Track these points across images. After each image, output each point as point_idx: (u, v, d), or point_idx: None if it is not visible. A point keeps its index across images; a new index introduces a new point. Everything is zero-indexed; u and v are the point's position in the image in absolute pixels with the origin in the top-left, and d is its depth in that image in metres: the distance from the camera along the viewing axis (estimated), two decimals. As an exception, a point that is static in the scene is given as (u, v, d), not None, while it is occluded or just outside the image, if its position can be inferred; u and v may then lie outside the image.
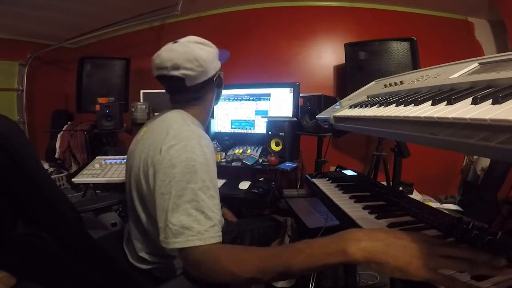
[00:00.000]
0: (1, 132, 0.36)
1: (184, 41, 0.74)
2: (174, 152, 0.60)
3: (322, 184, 0.97)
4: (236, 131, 2.01)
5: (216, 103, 0.90)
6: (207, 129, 1.90)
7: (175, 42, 0.73)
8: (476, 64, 0.57)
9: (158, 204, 0.58)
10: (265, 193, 1.49)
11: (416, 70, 0.82)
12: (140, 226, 0.73)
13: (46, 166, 2.68)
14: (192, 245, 0.53)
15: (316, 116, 0.97)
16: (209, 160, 0.62)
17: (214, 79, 0.78)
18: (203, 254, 0.53)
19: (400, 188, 1.67)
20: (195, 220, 0.55)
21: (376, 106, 0.61)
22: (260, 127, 1.92)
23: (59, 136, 2.73)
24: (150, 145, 0.66)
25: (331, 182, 0.98)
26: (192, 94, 0.76)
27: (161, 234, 0.57)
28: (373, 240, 0.41)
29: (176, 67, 0.69)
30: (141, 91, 2.37)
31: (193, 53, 0.70)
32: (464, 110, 0.37)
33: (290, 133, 1.63)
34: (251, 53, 2.37)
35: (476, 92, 0.42)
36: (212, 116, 2.03)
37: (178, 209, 0.55)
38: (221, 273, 0.50)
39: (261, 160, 1.69)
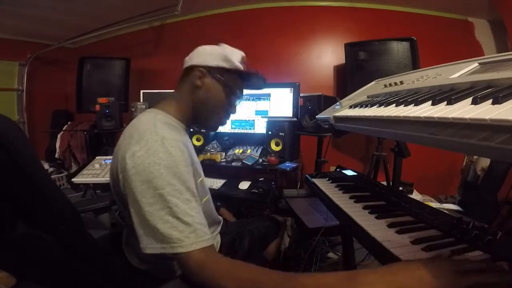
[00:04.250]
0: (1, 133, 0.36)
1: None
2: (137, 158, 0.57)
3: (322, 184, 0.96)
4: (236, 131, 2.01)
5: (203, 112, 0.76)
6: (206, 129, 1.91)
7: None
8: (476, 64, 0.57)
9: (132, 211, 0.57)
10: (265, 193, 1.49)
11: (416, 70, 0.82)
12: (132, 227, 0.72)
13: (46, 166, 2.68)
14: (176, 251, 0.52)
15: (316, 116, 0.97)
16: (177, 162, 0.58)
17: (199, 71, 0.72)
18: (197, 266, 0.51)
19: (400, 188, 1.67)
20: (172, 227, 0.53)
21: (376, 106, 0.61)
22: (260, 127, 1.92)
23: (59, 136, 2.73)
24: (119, 150, 0.64)
25: (331, 182, 0.98)
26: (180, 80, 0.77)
27: (142, 242, 0.55)
28: (388, 283, 0.38)
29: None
30: (141, 91, 2.37)
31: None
32: (464, 110, 0.37)
33: (290, 133, 1.63)
34: (251, 53, 2.35)
35: (476, 92, 0.42)
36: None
37: (152, 216, 0.53)
38: (215, 287, 0.49)
39: (261, 160, 1.69)
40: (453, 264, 0.39)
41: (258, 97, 1.94)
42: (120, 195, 0.66)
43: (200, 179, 0.75)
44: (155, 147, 0.58)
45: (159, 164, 0.56)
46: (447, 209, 1.57)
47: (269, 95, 1.91)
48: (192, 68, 0.73)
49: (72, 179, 1.42)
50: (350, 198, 0.80)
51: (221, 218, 0.96)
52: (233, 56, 0.74)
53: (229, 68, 0.73)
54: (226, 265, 0.51)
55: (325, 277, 0.42)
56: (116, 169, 0.63)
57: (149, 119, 0.66)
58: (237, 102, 0.81)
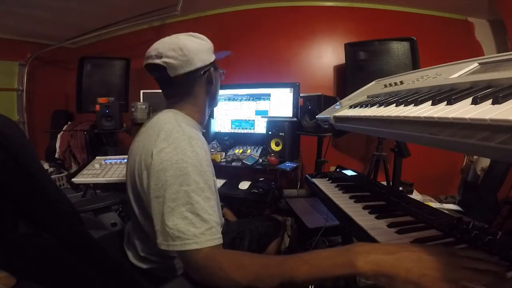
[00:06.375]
0: (3, 133, 0.36)
1: (176, 34, 0.74)
2: (165, 155, 0.59)
3: (322, 184, 0.96)
4: (236, 131, 2.01)
5: (213, 103, 0.86)
6: (206, 129, 1.92)
7: (169, 36, 0.74)
8: (476, 64, 0.57)
9: (153, 207, 0.58)
10: (265, 193, 1.49)
11: (416, 70, 0.82)
12: (139, 226, 0.73)
13: (46, 166, 2.67)
14: (189, 248, 0.52)
15: (316, 116, 0.97)
16: (202, 161, 0.61)
17: (202, 73, 0.75)
18: (205, 260, 0.52)
19: (400, 188, 1.67)
20: (190, 223, 0.54)
21: (376, 106, 0.61)
22: (260, 127, 1.92)
23: (59, 136, 2.73)
24: (143, 147, 0.65)
25: (331, 182, 0.98)
26: (178, 86, 0.74)
27: (159, 237, 0.56)
28: (383, 253, 0.39)
29: (159, 56, 0.70)
30: (141, 91, 2.37)
31: (178, 42, 0.70)
32: (464, 110, 0.37)
33: (290, 133, 1.63)
34: (251, 53, 2.37)
35: (476, 92, 0.42)
36: (212, 116, 2.03)
37: (173, 212, 0.55)
38: (222, 279, 0.50)
39: (261, 160, 1.69)
40: (448, 248, 0.41)
41: (258, 97, 1.94)
42: (138, 192, 0.68)
43: (213, 177, 0.77)
44: (183, 145, 0.60)
45: (187, 162, 0.58)
46: (447, 209, 1.57)
47: (269, 95, 1.91)
48: (196, 70, 0.74)
49: (72, 179, 1.42)
50: (350, 198, 0.80)
51: (223, 219, 0.97)
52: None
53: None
54: (230, 256, 0.53)
55: (323, 252, 0.45)
56: (139, 165, 0.65)
57: (171, 119, 0.68)
58: None
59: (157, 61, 0.70)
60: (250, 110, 1.96)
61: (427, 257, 0.37)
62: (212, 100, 0.85)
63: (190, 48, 0.71)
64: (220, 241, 0.56)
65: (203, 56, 0.74)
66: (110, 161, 1.51)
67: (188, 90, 0.76)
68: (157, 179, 0.58)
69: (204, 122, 0.83)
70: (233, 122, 2.03)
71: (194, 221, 0.54)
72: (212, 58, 0.78)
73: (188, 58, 0.70)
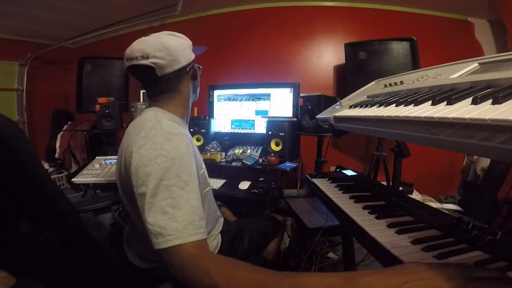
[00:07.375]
0: (4, 133, 0.36)
1: (155, 33, 0.74)
2: (143, 151, 0.59)
3: (322, 184, 0.96)
4: (236, 131, 2.01)
5: (195, 96, 0.87)
6: (206, 129, 1.91)
7: (147, 35, 0.73)
8: (476, 64, 0.56)
9: (139, 205, 0.57)
10: (265, 193, 1.49)
11: (416, 70, 0.82)
12: (135, 226, 0.73)
13: (46, 166, 2.68)
14: (171, 245, 0.50)
15: (316, 116, 0.97)
16: (183, 154, 0.60)
17: (188, 70, 0.77)
18: (190, 260, 0.49)
19: (400, 188, 1.67)
20: (171, 218, 0.52)
21: (376, 106, 0.61)
22: (260, 127, 1.92)
23: (59, 136, 2.73)
24: (126, 147, 0.66)
25: (331, 182, 0.98)
26: (165, 85, 0.74)
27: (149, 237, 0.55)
28: (389, 285, 0.36)
29: (146, 56, 0.68)
30: (141, 91, 2.37)
31: (163, 42, 0.70)
32: (464, 110, 0.37)
33: (290, 133, 1.63)
34: (251, 53, 2.37)
35: (476, 92, 0.42)
36: (212, 116, 2.03)
37: (153, 208, 0.54)
38: (206, 285, 0.45)
39: (261, 160, 1.69)
40: (463, 269, 0.36)
41: (258, 97, 1.94)
42: (128, 193, 0.67)
43: (201, 170, 0.77)
44: (161, 141, 0.60)
45: (166, 156, 0.58)
46: (447, 209, 1.57)
47: (269, 95, 1.91)
48: (183, 67, 0.74)
49: (72, 179, 1.42)
50: (350, 198, 0.80)
51: (221, 215, 0.97)
52: None
53: None
54: (220, 263, 0.49)
55: (325, 277, 0.40)
56: (124, 165, 0.65)
57: (151, 117, 0.69)
58: None
59: (144, 62, 0.68)
60: (250, 110, 1.96)
61: (437, 280, 0.34)
62: (194, 94, 0.86)
63: (175, 47, 0.71)
64: (204, 236, 0.54)
65: (186, 53, 0.75)
66: (110, 161, 1.51)
67: (174, 88, 0.76)
68: (137, 176, 0.58)
69: (188, 116, 0.83)
70: (233, 122, 2.03)
71: (176, 215, 0.53)
72: (193, 55, 0.78)
73: (174, 57, 0.71)
